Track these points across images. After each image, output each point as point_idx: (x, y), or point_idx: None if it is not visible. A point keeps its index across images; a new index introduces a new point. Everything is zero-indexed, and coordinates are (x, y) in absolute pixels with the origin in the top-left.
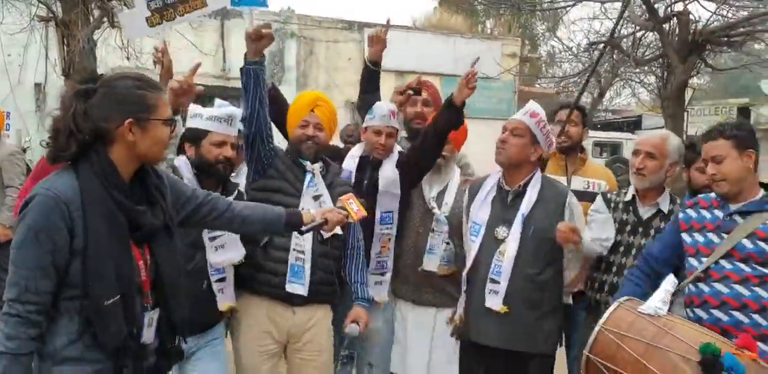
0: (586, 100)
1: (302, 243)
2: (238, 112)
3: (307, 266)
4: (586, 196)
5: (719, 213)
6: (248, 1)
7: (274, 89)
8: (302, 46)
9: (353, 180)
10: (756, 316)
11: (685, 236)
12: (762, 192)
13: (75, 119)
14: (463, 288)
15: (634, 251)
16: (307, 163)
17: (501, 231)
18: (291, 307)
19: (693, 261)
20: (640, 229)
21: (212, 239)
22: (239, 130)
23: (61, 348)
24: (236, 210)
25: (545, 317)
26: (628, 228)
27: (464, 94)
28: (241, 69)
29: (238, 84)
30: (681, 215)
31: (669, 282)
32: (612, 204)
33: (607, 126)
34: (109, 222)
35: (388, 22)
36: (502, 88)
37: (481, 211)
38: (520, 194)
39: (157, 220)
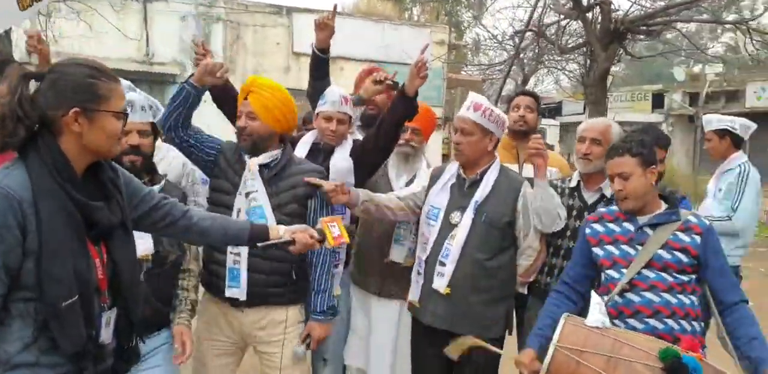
0: (510, 87)
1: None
2: (136, 96)
3: (243, 269)
4: None
5: (629, 226)
6: None
7: (227, 83)
8: (229, 31)
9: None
10: (684, 322)
11: (597, 250)
12: (663, 204)
13: (21, 104)
14: (420, 270)
15: (569, 232)
16: (247, 159)
17: (455, 217)
18: (239, 308)
19: (612, 272)
20: (586, 214)
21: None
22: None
23: (15, 353)
24: (194, 220)
25: (493, 303)
26: (575, 212)
27: (416, 84)
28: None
29: (162, 69)
30: (588, 231)
31: (595, 297)
32: (558, 191)
33: None
34: (63, 219)
35: (334, 7)
36: (431, 75)
37: (439, 196)
38: (477, 182)
39: (114, 217)
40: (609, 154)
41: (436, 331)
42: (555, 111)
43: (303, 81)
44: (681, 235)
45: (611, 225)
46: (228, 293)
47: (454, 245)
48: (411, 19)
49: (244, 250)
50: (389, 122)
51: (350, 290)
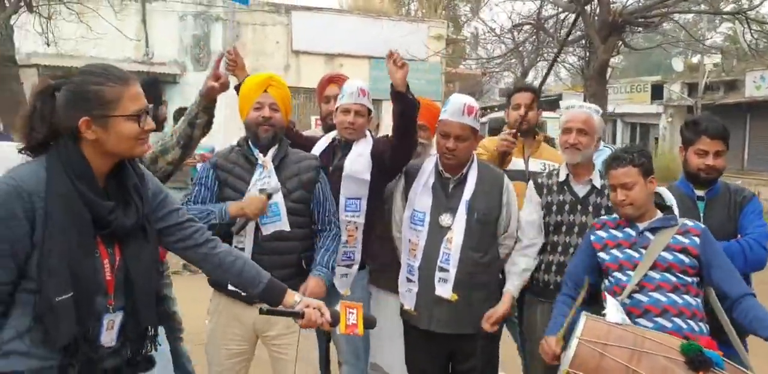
0: (509, 80)
1: (243, 241)
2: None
3: None
4: None
5: (631, 232)
6: None
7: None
8: (228, 30)
9: (319, 163)
10: (691, 322)
11: (602, 254)
12: (658, 212)
13: (32, 121)
14: (411, 277)
15: (576, 229)
16: (259, 156)
17: (445, 219)
18: (251, 303)
19: (619, 275)
20: (579, 207)
21: None
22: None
23: (7, 340)
24: (216, 250)
25: (490, 297)
26: (567, 207)
27: (399, 76)
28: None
29: (163, 69)
30: (592, 237)
31: (610, 299)
32: (545, 189)
33: None
34: (71, 216)
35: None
36: (429, 70)
37: (421, 199)
38: (462, 181)
39: (128, 220)
40: (611, 164)
41: (434, 335)
42: (555, 103)
43: (302, 79)
44: (680, 238)
45: (614, 231)
46: (231, 287)
47: (453, 248)
48: (409, 14)
49: (248, 245)
50: (397, 124)
51: (371, 291)
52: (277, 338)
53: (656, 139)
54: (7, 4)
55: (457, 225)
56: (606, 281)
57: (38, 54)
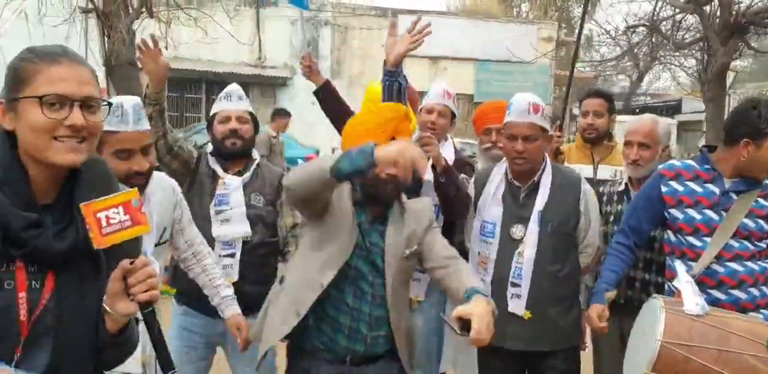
0: (624, 83)
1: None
2: (234, 86)
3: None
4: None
5: (714, 189)
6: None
7: (328, 84)
8: (336, 34)
9: None
10: (764, 288)
11: (675, 212)
12: None
13: None
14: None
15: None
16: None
17: (517, 231)
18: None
19: (693, 239)
20: None
21: (218, 213)
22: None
23: None
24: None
25: (569, 310)
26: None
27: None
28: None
29: (274, 72)
30: (664, 189)
31: (683, 273)
32: (605, 198)
33: (646, 110)
34: None
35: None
36: (537, 72)
37: (491, 209)
38: (534, 188)
39: (59, 243)
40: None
41: (507, 352)
42: (674, 109)
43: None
44: (762, 201)
45: (692, 185)
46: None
47: (525, 262)
48: (519, 16)
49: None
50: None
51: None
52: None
53: None
54: (131, 11)
55: (529, 238)
56: (671, 236)
57: None
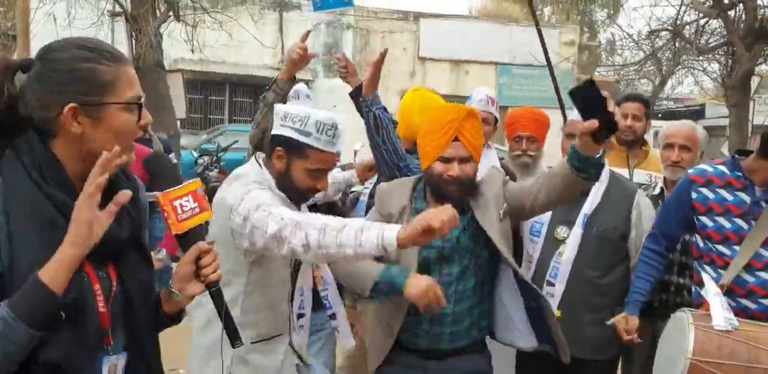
0: (647, 88)
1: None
2: (304, 86)
3: None
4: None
5: (745, 197)
6: (333, 3)
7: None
8: (358, 38)
9: None
10: None
11: (705, 220)
12: None
13: None
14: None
15: (679, 246)
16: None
17: (561, 232)
18: None
19: (722, 248)
20: None
21: None
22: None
23: None
24: None
25: (604, 322)
26: None
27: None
28: None
29: (296, 75)
30: (694, 195)
31: (712, 284)
32: None
33: (670, 115)
34: (43, 230)
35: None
36: (559, 77)
37: None
38: (584, 193)
39: (123, 231)
40: None
41: (541, 354)
42: (697, 114)
43: (427, 85)
44: None
45: (722, 192)
46: None
47: (563, 263)
48: (541, 19)
49: None
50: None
51: None
52: None
53: None
54: (158, 14)
55: (571, 239)
56: (700, 242)
57: (184, 60)
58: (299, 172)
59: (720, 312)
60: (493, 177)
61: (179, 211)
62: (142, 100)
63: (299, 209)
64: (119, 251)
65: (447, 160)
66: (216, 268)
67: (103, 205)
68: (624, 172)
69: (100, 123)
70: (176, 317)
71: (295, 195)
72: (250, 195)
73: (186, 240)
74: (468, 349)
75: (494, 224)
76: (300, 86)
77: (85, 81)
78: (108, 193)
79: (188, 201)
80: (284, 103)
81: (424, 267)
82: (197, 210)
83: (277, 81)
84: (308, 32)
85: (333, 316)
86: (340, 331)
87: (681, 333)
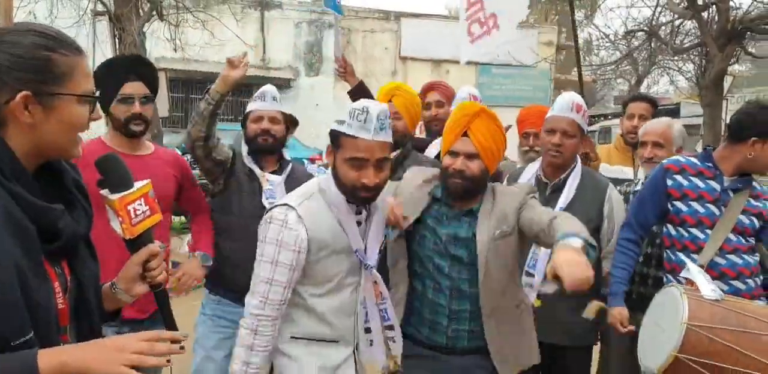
0: (623, 87)
1: None
2: (272, 87)
3: None
4: None
5: (715, 185)
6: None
7: (362, 85)
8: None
9: None
10: (757, 280)
11: (679, 204)
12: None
13: None
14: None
15: (658, 241)
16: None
17: None
18: None
19: (696, 231)
20: None
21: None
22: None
23: None
24: None
25: (582, 309)
26: None
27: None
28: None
29: (278, 74)
30: (669, 182)
31: (693, 265)
32: (623, 197)
33: None
34: (10, 232)
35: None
36: (538, 76)
37: None
38: (559, 187)
39: (79, 227)
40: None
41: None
42: (672, 113)
43: (409, 84)
44: (753, 202)
45: (695, 180)
46: None
47: (540, 254)
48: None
49: None
50: None
51: None
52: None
53: None
54: (141, 14)
55: None
56: (671, 229)
57: (167, 58)
58: (341, 165)
59: (706, 284)
60: (516, 194)
61: (132, 215)
62: (97, 94)
63: (363, 212)
64: (73, 247)
65: (454, 154)
66: (162, 270)
67: (53, 192)
68: (629, 170)
69: (52, 113)
70: (114, 314)
71: (348, 193)
72: (261, 247)
73: (135, 242)
74: (478, 353)
75: (486, 234)
76: (268, 87)
77: (41, 69)
78: (54, 177)
79: (140, 204)
80: (217, 112)
81: (422, 265)
82: (148, 213)
83: (210, 91)
84: (245, 53)
85: (368, 330)
86: (373, 344)
87: (674, 302)
